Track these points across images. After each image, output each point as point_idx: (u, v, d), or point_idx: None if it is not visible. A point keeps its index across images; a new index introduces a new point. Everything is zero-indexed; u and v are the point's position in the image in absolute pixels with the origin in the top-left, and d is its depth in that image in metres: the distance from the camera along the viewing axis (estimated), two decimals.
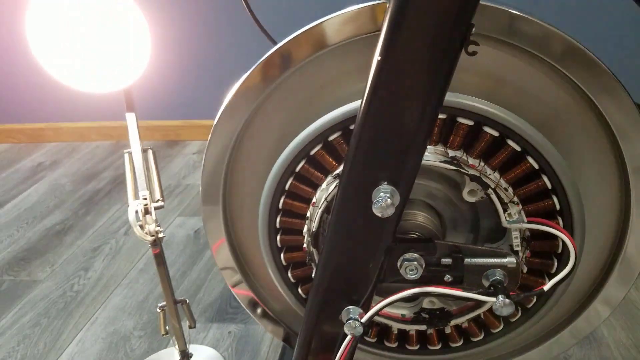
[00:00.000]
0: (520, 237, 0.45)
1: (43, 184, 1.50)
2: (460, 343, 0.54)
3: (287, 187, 0.48)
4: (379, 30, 0.39)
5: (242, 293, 0.58)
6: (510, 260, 0.44)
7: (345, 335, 0.49)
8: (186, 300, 0.67)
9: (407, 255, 0.45)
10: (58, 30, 0.55)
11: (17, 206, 1.37)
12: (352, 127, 0.45)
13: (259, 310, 0.59)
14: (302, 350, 0.52)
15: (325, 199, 0.47)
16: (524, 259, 0.46)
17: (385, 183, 0.41)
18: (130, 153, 0.65)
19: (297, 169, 0.47)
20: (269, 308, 0.58)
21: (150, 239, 0.58)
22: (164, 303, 0.66)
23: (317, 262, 0.50)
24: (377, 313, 0.46)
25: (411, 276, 0.45)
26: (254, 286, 0.57)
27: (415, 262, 0.45)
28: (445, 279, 0.46)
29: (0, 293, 1.02)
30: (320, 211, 0.48)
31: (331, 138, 0.46)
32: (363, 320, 0.47)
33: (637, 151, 0.43)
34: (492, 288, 0.45)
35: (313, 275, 0.52)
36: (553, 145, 0.43)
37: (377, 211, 0.41)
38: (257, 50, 1.65)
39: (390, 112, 0.39)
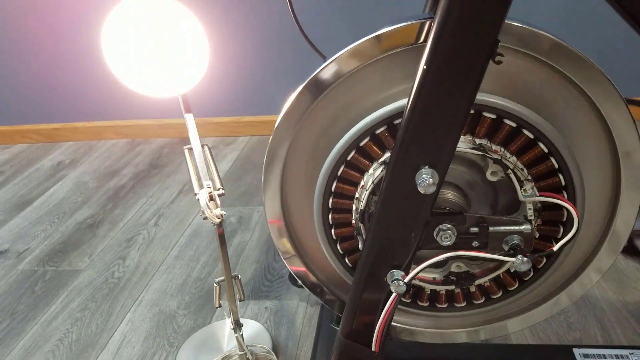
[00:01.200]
0: (533, 209, 0.55)
1: (67, 181, 1.58)
2: (482, 300, 0.64)
3: (339, 173, 0.58)
4: (414, 44, 0.49)
5: (295, 268, 0.67)
6: (526, 227, 0.55)
7: (389, 295, 0.59)
8: (238, 276, 0.76)
9: (442, 226, 0.55)
10: (130, 43, 0.64)
11: (45, 202, 1.45)
12: (395, 122, 0.54)
13: (309, 280, 0.69)
14: (351, 311, 0.62)
15: (372, 182, 0.57)
16: (535, 227, 0.56)
17: (427, 166, 0.51)
18: (190, 149, 0.74)
19: (348, 158, 0.57)
20: (317, 278, 0.68)
21: (218, 221, 0.67)
22: (221, 278, 0.76)
23: (364, 235, 0.60)
24: (418, 273, 0.56)
25: (446, 243, 0.55)
26: (305, 260, 0.67)
27: (449, 231, 0.55)
28: (473, 244, 0.56)
29: (46, 282, 1.10)
30: (367, 193, 0.57)
31: (378, 131, 0.55)
32: (406, 280, 0.57)
33: (625, 138, 0.54)
34: (511, 250, 0.55)
35: (360, 246, 0.61)
36: (559, 133, 0.53)
37: (421, 189, 0.51)
38: (300, 60, 1.73)
39: (432, 109, 0.49)
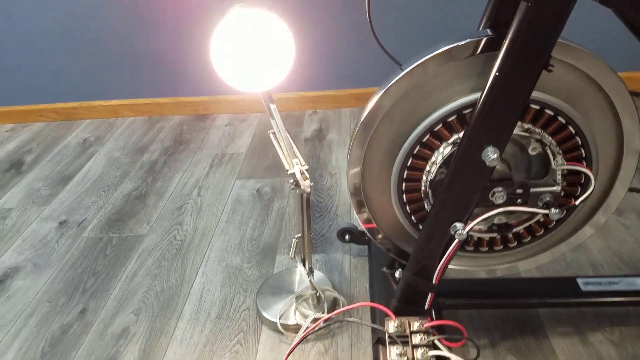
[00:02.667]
0: (560, 174, 0.76)
1: (99, 157, 1.69)
2: (515, 244, 0.85)
3: (415, 151, 0.76)
4: (480, 53, 0.67)
5: (368, 225, 0.86)
6: (556, 188, 0.75)
7: (452, 241, 0.78)
8: (311, 233, 0.94)
9: (496, 189, 0.75)
10: (232, 47, 0.79)
11: (85, 178, 1.57)
12: (464, 112, 0.73)
13: (377, 234, 0.87)
14: (418, 255, 0.81)
15: (442, 158, 0.75)
16: (562, 188, 0.77)
17: (491, 145, 0.70)
18: (274, 133, 0.90)
19: (424, 140, 0.75)
20: (383, 233, 0.87)
21: (309, 190, 0.85)
22: (299, 235, 0.93)
23: (430, 199, 0.79)
24: (476, 224, 0.76)
25: (498, 202, 0.75)
26: (375, 219, 0.86)
27: (501, 193, 0.75)
28: (517, 202, 0.76)
29: (114, 246, 1.25)
30: (437, 166, 0.76)
31: (449, 119, 0.74)
32: (465, 230, 0.76)
33: (629, 128, 0.74)
34: (545, 205, 0.76)
35: (426, 207, 0.80)
36: (583, 118, 0.73)
37: (487, 162, 0.70)
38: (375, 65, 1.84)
39: (499, 103, 0.67)
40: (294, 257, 0.97)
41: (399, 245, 0.90)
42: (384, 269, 1.01)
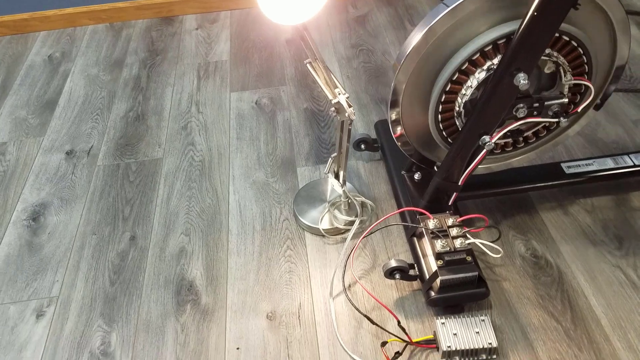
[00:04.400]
0: (568, 87, 0.90)
1: (75, 77, 1.63)
2: (522, 145, 1.02)
3: (454, 77, 0.87)
4: None
5: (398, 134, 0.98)
6: (564, 100, 0.90)
7: (480, 150, 0.93)
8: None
9: (519, 105, 0.89)
10: None
11: (70, 101, 1.54)
12: (499, 42, 0.83)
13: (408, 147, 1.01)
14: (449, 162, 0.96)
15: (478, 81, 0.87)
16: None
17: (522, 72, 0.82)
18: (310, 62, 0.96)
19: (463, 67, 0.86)
20: (410, 140, 1.01)
21: (354, 117, 0.94)
22: (335, 154, 1.05)
23: (462, 118, 0.92)
24: (503, 135, 0.91)
25: (521, 115, 0.90)
26: (406, 128, 0.98)
27: (524, 108, 0.89)
28: (534, 114, 0.91)
29: (134, 172, 1.30)
30: (472, 89, 0.88)
31: (486, 49, 0.84)
32: (493, 141, 0.91)
33: (621, 37, 0.88)
34: (554, 114, 0.91)
35: (457, 123, 0.94)
36: (589, 39, 0.86)
37: (519, 86, 0.83)
38: None
39: (533, 35, 0.78)
40: (327, 172, 1.10)
41: (421, 152, 1.05)
42: (403, 172, 1.16)
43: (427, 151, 1.05)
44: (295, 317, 0.97)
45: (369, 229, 1.08)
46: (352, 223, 1.11)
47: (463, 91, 0.89)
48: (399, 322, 0.91)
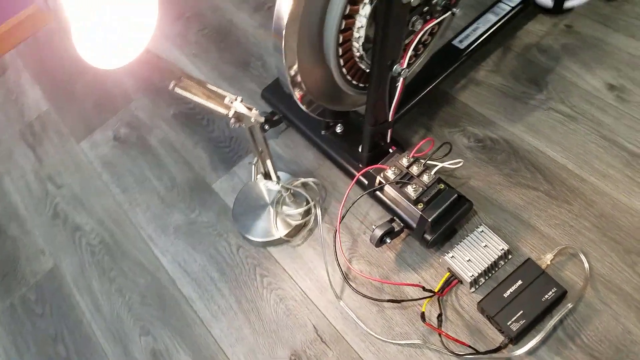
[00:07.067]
0: None
1: None
2: (422, 50, 0.94)
3: (342, 27, 0.75)
4: None
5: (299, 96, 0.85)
6: None
7: (397, 81, 0.85)
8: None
9: (414, 18, 0.79)
10: None
11: None
12: None
13: (309, 101, 0.89)
14: (372, 107, 0.87)
15: (366, 18, 0.75)
16: None
17: None
18: (176, 85, 0.77)
19: (346, 12, 0.73)
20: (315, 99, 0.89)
21: (262, 119, 0.79)
22: (256, 159, 0.90)
23: (366, 59, 0.81)
24: (410, 55, 0.82)
25: (418, 27, 0.81)
26: (308, 88, 0.86)
27: (417, 18, 0.80)
28: (427, 19, 0.83)
29: (37, 301, 1.05)
30: (364, 29, 0.76)
31: None
32: (404, 65, 0.83)
33: None
34: (444, 9, 0.84)
35: (363, 67, 0.83)
36: None
37: (412, 2, 0.73)
38: None
39: None
40: (256, 179, 0.96)
41: (332, 108, 0.94)
42: (323, 132, 1.05)
43: (338, 104, 0.94)
44: (319, 343, 0.88)
45: (339, 217, 0.96)
46: (308, 211, 1.00)
47: (356, 34, 0.78)
48: (423, 288, 0.86)
